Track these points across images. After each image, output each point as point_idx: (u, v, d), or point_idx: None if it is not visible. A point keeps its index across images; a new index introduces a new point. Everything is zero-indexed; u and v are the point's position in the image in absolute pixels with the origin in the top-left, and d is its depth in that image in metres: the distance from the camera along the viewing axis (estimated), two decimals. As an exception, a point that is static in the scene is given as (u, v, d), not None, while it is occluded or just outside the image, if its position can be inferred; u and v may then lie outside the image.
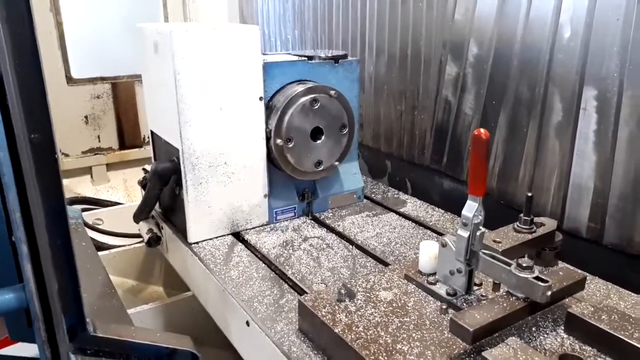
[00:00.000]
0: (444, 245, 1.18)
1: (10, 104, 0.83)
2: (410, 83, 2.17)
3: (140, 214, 1.76)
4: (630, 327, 0.98)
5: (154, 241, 1.79)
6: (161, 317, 1.92)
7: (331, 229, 1.72)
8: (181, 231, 1.68)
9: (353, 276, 1.43)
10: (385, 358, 0.98)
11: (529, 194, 1.39)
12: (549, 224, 1.44)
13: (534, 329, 1.08)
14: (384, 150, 2.38)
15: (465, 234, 1.10)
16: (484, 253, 1.10)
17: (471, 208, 1.09)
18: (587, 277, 1.22)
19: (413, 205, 1.93)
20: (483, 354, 0.92)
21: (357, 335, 1.04)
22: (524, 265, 1.02)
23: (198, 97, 1.50)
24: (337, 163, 1.78)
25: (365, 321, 1.09)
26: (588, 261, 1.51)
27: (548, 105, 1.65)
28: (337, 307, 1.13)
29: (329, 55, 1.79)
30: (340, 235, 1.68)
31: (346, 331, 1.05)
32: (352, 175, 1.93)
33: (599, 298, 1.29)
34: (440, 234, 1.68)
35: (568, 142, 1.60)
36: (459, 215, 1.81)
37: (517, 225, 1.41)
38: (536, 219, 1.41)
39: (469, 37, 1.87)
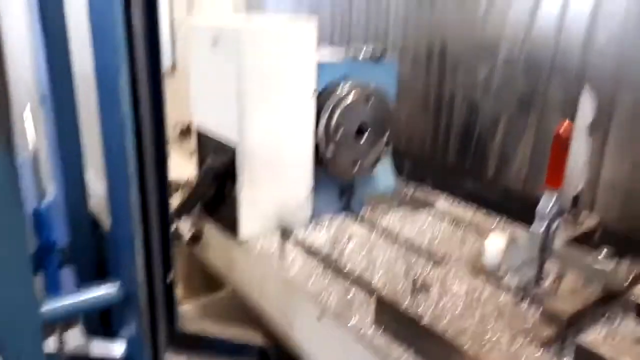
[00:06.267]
0: (514, 239, 1.24)
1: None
2: (436, 83, 2.23)
3: (183, 212, 1.75)
4: (700, 314, 1.06)
5: (196, 239, 1.79)
6: (195, 317, 1.92)
7: (373, 226, 1.76)
8: (228, 228, 1.68)
9: (409, 271, 1.47)
10: (480, 347, 1.03)
11: (577, 191, 1.48)
12: (592, 219, 1.53)
13: (605, 316, 1.15)
14: (402, 150, 2.43)
15: (540, 227, 1.16)
16: (560, 246, 1.16)
17: (548, 202, 1.15)
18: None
19: (444, 203, 1.99)
20: (578, 340, 0.98)
21: (446, 326, 1.09)
22: (603, 256, 1.09)
23: (258, 93, 1.51)
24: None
25: (449, 313, 1.14)
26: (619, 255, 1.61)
27: (581, 107, 1.73)
28: (417, 300, 1.18)
29: (369, 54, 1.83)
30: (384, 232, 1.72)
31: (434, 323, 1.10)
32: (385, 173, 1.98)
33: None
34: (478, 231, 1.74)
35: (600, 142, 1.69)
36: (490, 212, 1.91)
37: (564, 221, 1.49)
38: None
39: (500, 40, 1.94)
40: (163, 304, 1.00)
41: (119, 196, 0.93)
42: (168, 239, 0.96)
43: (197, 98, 1.73)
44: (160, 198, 0.90)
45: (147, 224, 0.89)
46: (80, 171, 1.12)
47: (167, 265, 0.99)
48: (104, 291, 1.02)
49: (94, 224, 1.17)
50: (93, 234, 1.17)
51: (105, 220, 1.11)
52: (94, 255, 1.19)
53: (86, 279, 1.18)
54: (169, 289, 1.02)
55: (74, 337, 1.31)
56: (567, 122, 1.11)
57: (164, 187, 0.92)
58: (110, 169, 0.95)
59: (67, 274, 1.20)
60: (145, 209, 0.88)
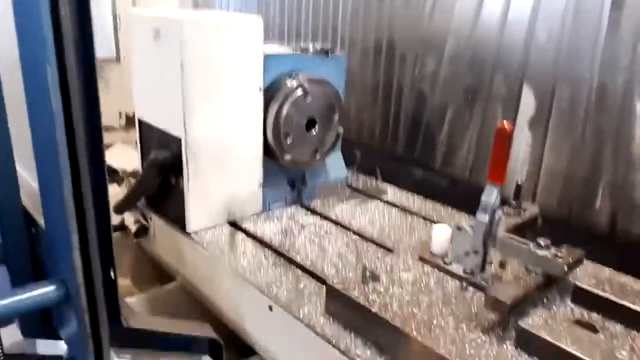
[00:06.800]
0: (459, 228, 1.27)
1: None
2: (384, 76, 2.25)
3: (127, 205, 1.70)
4: (630, 295, 1.13)
5: (142, 232, 1.74)
6: (144, 310, 1.86)
7: (325, 217, 1.77)
8: (176, 221, 1.64)
9: (360, 260, 1.48)
10: (427, 332, 1.05)
11: (519, 182, 1.53)
12: (532, 209, 1.59)
13: (545, 301, 1.20)
14: (353, 140, 2.45)
15: (484, 218, 1.19)
16: (502, 235, 1.20)
17: (491, 194, 1.19)
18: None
19: (394, 193, 2.02)
20: (520, 323, 1.02)
21: (395, 314, 1.10)
22: (542, 244, 1.14)
23: (203, 87, 1.48)
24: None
25: (397, 300, 1.15)
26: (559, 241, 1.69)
27: (523, 100, 1.80)
28: (366, 289, 1.19)
29: (318, 48, 1.83)
30: (335, 222, 1.73)
31: (383, 310, 1.11)
32: (336, 164, 1.98)
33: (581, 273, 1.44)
34: (426, 219, 1.78)
35: (541, 134, 1.76)
36: (436, 201, 1.96)
37: (507, 210, 1.54)
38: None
39: (447, 35, 1.98)
40: (104, 301, 0.96)
41: (51, 192, 0.89)
42: (108, 233, 0.92)
43: (139, 89, 1.67)
44: (97, 192, 0.86)
45: (84, 219, 0.85)
46: (10, 165, 1.05)
47: (107, 261, 0.95)
48: (40, 291, 0.97)
49: (30, 220, 1.11)
50: (28, 231, 1.10)
51: (40, 217, 1.06)
52: (29, 254, 1.13)
53: (22, 278, 1.12)
54: (110, 285, 0.98)
55: (10, 335, 1.24)
56: (507, 121, 1.14)
57: (102, 180, 0.88)
58: (41, 164, 0.90)
59: (1, 274, 1.13)
60: (80, 204, 0.83)
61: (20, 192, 1.09)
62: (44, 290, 0.97)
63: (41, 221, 1.06)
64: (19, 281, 1.05)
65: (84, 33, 0.82)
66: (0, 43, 0.98)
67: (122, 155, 2.71)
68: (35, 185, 1.16)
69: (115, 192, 1.99)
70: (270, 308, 1.28)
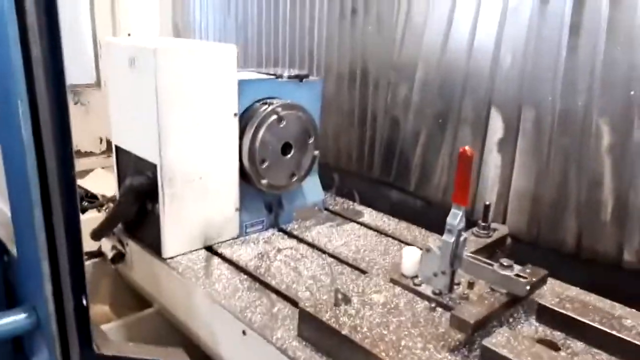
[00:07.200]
0: (427, 250, 1.30)
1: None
2: (359, 101, 2.31)
3: (104, 231, 1.71)
4: (591, 313, 1.17)
5: (119, 258, 1.74)
6: (122, 336, 1.86)
7: (301, 240, 1.80)
8: (152, 247, 1.65)
9: (334, 283, 1.51)
10: (395, 354, 1.08)
11: (487, 203, 1.58)
12: (502, 229, 1.64)
13: (510, 320, 1.24)
14: (331, 165, 2.49)
15: (450, 239, 1.23)
16: (467, 255, 1.24)
17: (455, 216, 1.23)
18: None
19: (370, 215, 2.06)
20: (483, 342, 1.05)
21: (364, 336, 1.13)
22: (506, 264, 1.18)
23: (178, 113, 1.51)
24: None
25: (367, 322, 1.18)
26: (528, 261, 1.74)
27: (491, 124, 1.86)
28: (338, 311, 1.21)
29: (292, 74, 1.88)
30: (311, 245, 1.76)
31: (353, 332, 1.14)
32: (313, 187, 2.02)
33: (549, 290, 1.48)
34: (401, 241, 1.82)
35: (509, 156, 1.82)
36: (412, 223, 2.00)
37: (476, 231, 1.59)
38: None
39: (417, 63, 2.05)
40: (76, 328, 0.97)
41: (23, 220, 0.90)
42: (80, 261, 0.94)
43: (116, 116, 1.70)
44: (69, 220, 0.88)
45: (55, 247, 0.87)
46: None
47: (79, 288, 0.96)
48: (11, 319, 0.98)
49: (2, 248, 1.12)
50: (0, 259, 1.11)
51: (12, 245, 1.07)
52: (1, 282, 1.13)
53: (-6, 306, 1.12)
54: (82, 312, 0.99)
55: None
56: (469, 146, 1.19)
57: (74, 209, 0.90)
58: (13, 193, 0.92)
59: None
60: (51, 232, 0.85)
61: (-7, 220, 1.10)
62: (15, 318, 0.98)
63: (13, 249, 1.07)
64: (-10, 310, 1.05)
65: (56, 68, 0.85)
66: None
67: (102, 180, 2.72)
68: (8, 213, 1.18)
69: (95, 218, 2.01)
70: (244, 332, 1.30)
